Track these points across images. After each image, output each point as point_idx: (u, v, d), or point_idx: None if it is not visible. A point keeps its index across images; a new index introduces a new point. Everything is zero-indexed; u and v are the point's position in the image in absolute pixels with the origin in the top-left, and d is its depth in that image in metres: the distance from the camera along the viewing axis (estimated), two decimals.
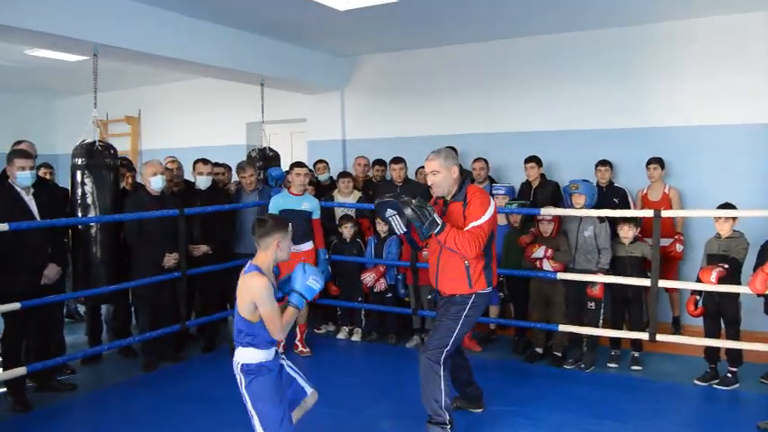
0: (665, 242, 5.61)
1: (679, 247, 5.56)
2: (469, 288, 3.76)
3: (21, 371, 4.20)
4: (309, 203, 5.58)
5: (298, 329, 5.68)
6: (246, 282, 2.96)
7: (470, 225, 3.63)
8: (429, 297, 5.73)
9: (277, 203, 5.50)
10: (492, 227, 3.72)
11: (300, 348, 5.63)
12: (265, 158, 7.09)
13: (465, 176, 3.85)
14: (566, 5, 5.82)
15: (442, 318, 3.83)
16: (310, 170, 6.82)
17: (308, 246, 5.52)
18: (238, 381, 3.05)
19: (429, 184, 3.84)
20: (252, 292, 2.93)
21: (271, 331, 2.97)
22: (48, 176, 6.15)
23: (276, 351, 3.15)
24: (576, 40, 6.71)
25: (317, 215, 5.61)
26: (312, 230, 5.57)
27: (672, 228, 5.90)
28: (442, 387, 3.71)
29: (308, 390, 3.25)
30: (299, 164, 5.72)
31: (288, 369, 3.22)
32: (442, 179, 3.76)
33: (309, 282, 3.07)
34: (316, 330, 6.40)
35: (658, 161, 6.02)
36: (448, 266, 3.81)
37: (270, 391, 3.01)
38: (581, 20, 6.33)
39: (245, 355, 3.01)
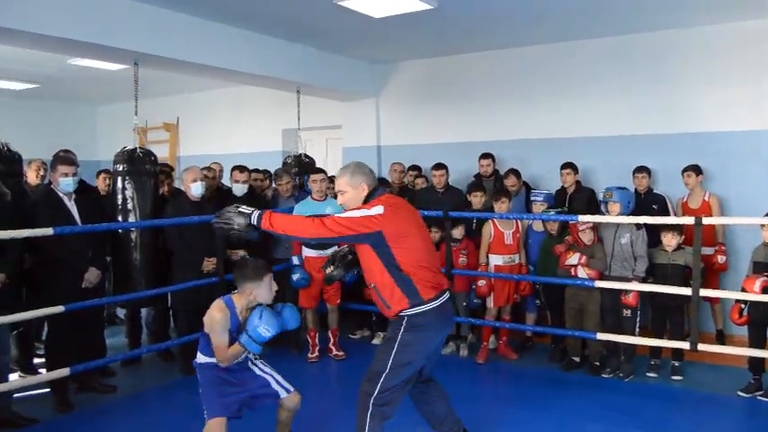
0: (707, 251, 5.48)
1: (721, 259, 5.36)
2: (387, 310, 3.22)
3: (64, 371, 4.29)
4: (333, 208, 5.56)
5: (330, 333, 5.73)
6: (211, 308, 3.28)
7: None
8: (464, 304, 5.71)
9: (300, 211, 5.52)
10: (358, 229, 3.07)
11: (335, 352, 5.69)
12: (301, 165, 7.16)
13: (375, 189, 3.28)
14: (605, 10, 5.75)
15: (381, 344, 3.35)
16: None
17: (332, 251, 5.51)
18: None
19: (339, 204, 3.37)
20: (208, 320, 3.26)
21: (217, 357, 3.26)
22: (107, 181, 6.29)
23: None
24: (614, 45, 6.63)
25: None
26: None
27: (713, 236, 5.68)
28: (366, 426, 3.17)
29: (282, 393, 3.46)
30: (315, 170, 5.76)
31: (257, 370, 3.48)
32: (349, 199, 3.26)
33: (260, 330, 3.23)
34: (351, 336, 6.42)
35: (693, 168, 5.82)
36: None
37: (213, 384, 3.31)
38: (618, 25, 6.25)
39: (201, 357, 3.36)
